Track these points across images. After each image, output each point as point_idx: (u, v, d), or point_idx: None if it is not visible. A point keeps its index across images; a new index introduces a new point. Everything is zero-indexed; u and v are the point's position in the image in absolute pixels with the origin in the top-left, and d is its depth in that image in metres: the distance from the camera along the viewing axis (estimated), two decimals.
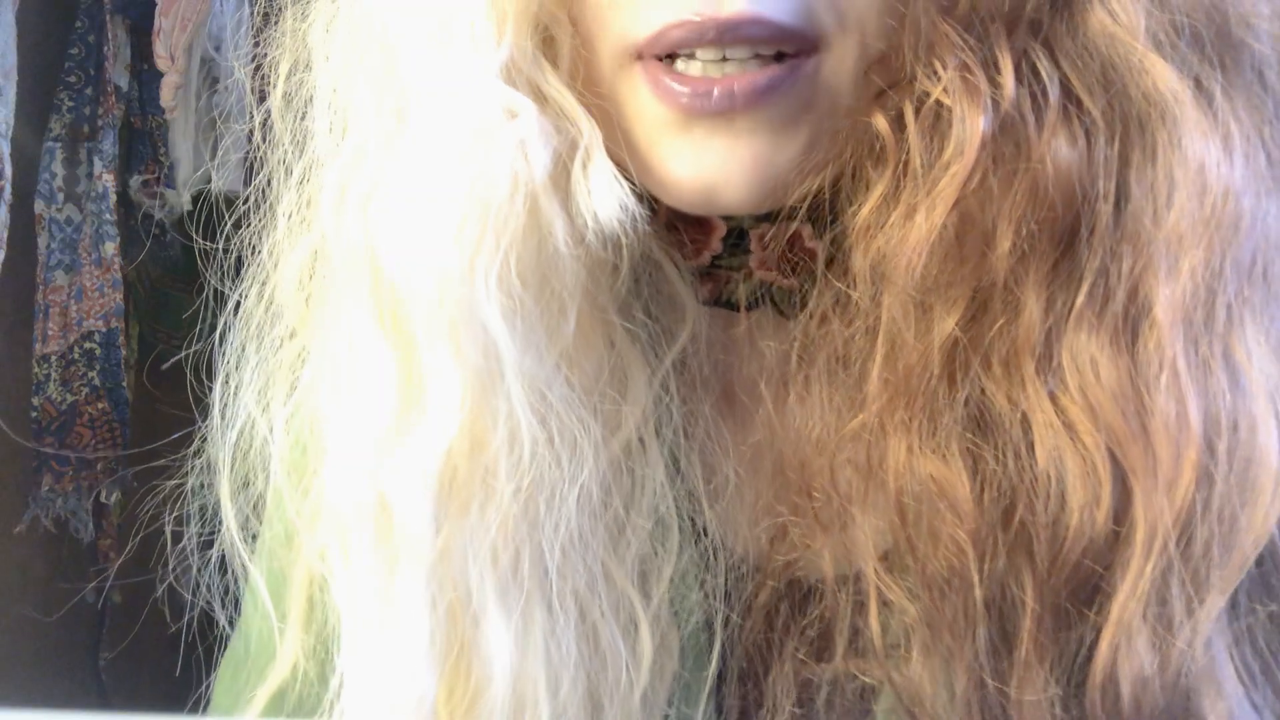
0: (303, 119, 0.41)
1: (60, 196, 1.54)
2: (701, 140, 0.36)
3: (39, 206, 1.54)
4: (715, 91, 0.35)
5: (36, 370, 1.53)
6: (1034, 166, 0.32)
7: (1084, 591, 0.33)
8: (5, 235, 1.32)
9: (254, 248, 0.41)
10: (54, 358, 1.53)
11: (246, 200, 0.42)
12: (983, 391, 0.34)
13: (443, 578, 0.37)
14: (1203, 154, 0.32)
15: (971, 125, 0.32)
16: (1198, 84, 0.32)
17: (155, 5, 1.56)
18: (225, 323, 0.41)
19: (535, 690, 0.37)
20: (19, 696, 1.50)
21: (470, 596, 0.37)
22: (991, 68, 0.33)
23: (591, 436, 0.39)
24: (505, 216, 0.36)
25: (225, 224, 0.43)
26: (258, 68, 0.42)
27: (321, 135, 0.40)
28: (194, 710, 0.53)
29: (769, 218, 0.40)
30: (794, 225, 0.40)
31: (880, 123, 0.35)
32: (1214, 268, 0.32)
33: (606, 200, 0.37)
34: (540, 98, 0.37)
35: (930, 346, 0.34)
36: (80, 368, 1.53)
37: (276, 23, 0.41)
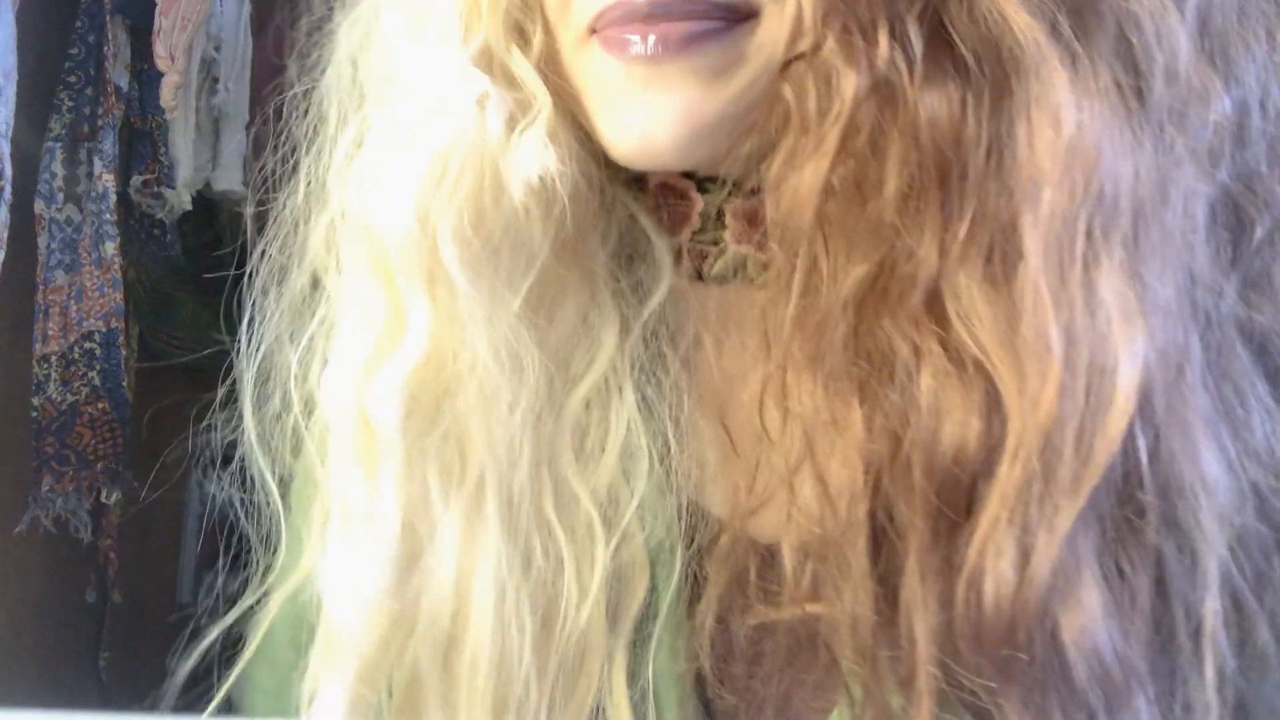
0: (320, 105, 0.49)
1: (60, 196, 1.54)
2: (639, 92, 0.42)
3: (39, 206, 1.54)
4: (651, 37, 0.40)
5: (36, 370, 1.53)
6: (910, 117, 0.36)
7: (960, 506, 0.36)
8: (5, 235, 1.32)
9: (277, 208, 0.48)
10: (54, 358, 1.53)
11: (265, 176, 0.49)
12: (880, 331, 0.37)
13: (408, 484, 0.43)
14: (1060, 101, 0.35)
15: (847, 82, 0.37)
16: (1059, 38, 0.36)
17: (155, 5, 1.56)
18: (252, 269, 0.49)
19: (481, 596, 0.43)
20: (19, 696, 1.50)
21: (427, 503, 0.44)
22: (870, 30, 0.37)
23: (561, 370, 0.45)
24: (458, 176, 0.43)
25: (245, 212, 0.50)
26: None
27: (332, 118, 0.47)
28: (194, 709, 0.53)
29: (736, 190, 0.46)
30: (732, 201, 0.46)
31: (786, 89, 0.39)
32: (1074, 206, 0.35)
33: (529, 159, 0.43)
34: (510, 78, 0.44)
35: (838, 289, 0.38)
36: (80, 368, 1.53)
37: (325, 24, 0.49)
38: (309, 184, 0.48)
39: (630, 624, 0.45)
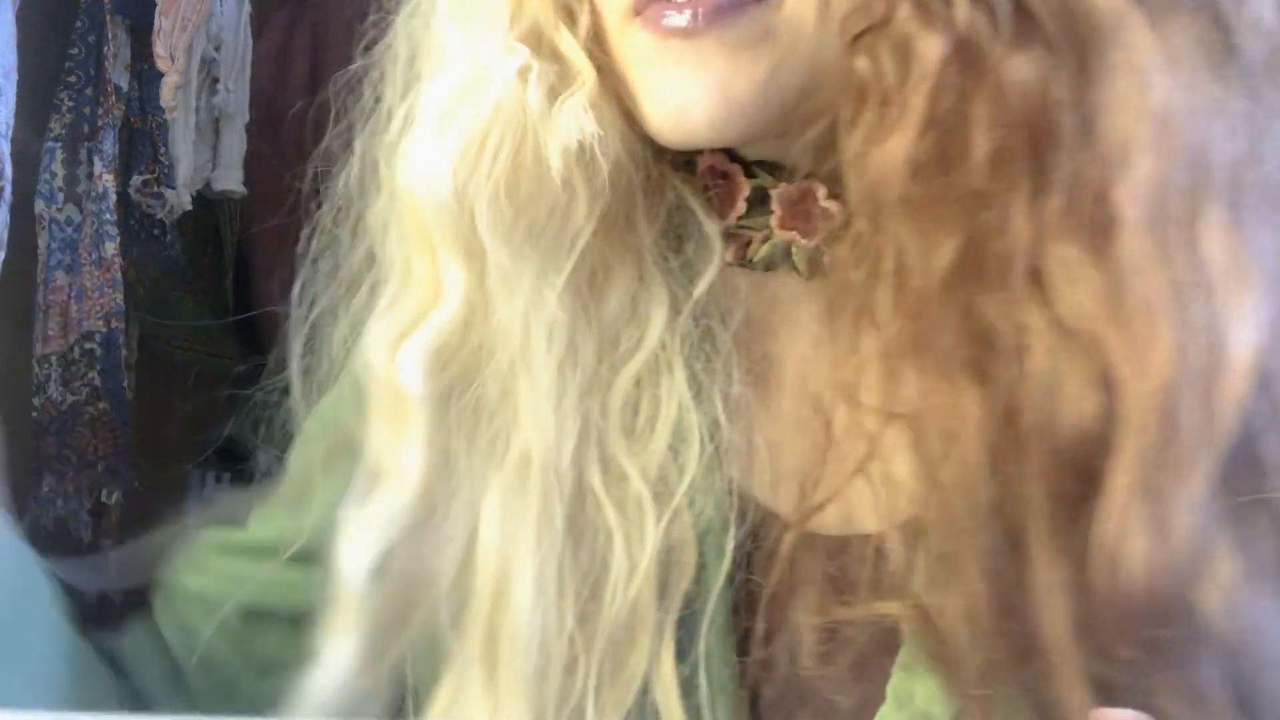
0: (376, 88, 0.51)
1: (60, 196, 1.54)
2: (675, 66, 0.43)
3: (39, 206, 1.54)
4: (686, 11, 0.42)
5: (37, 370, 1.53)
6: (995, 81, 0.36)
7: (1084, 478, 0.35)
8: (5, 235, 1.32)
9: (328, 183, 0.51)
10: (54, 358, 1.53)
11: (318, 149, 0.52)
12: (981, 309, 0.37)
13: (431, 448, 0.44)
14: (1145, 65, 0.35)
15: (928, 45, 0.36)
16: (1144, 3, 0.36)
17: (155, 5, 1.56)
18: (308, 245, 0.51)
19: (521, 567, 0.43)
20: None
21: (451, 469, 0.45)
22: None
23: (610, 347, 0.46)
24: (497, 147, 0.45)
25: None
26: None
27: (387, 98, 0.49)
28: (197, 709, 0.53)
29: (787, 176, 0.46)
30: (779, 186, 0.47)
31: (860, 62, 0.39)
32: (1168, 170, 0.35)
33: (568, 126, 0.44)
34: (557, 55, 0.46)
35: (934, 265, 0.37)
36: (81, 368, 1.53)
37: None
38: (363, 161, 0.49)
39: (679, 601, 0.44)
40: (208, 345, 1.77)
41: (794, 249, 0.47)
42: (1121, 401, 0.34)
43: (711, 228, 0.48)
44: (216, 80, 1.67)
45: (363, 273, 0.50)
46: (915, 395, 0.38)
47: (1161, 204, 0.35)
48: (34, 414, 1.52)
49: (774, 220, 0.47)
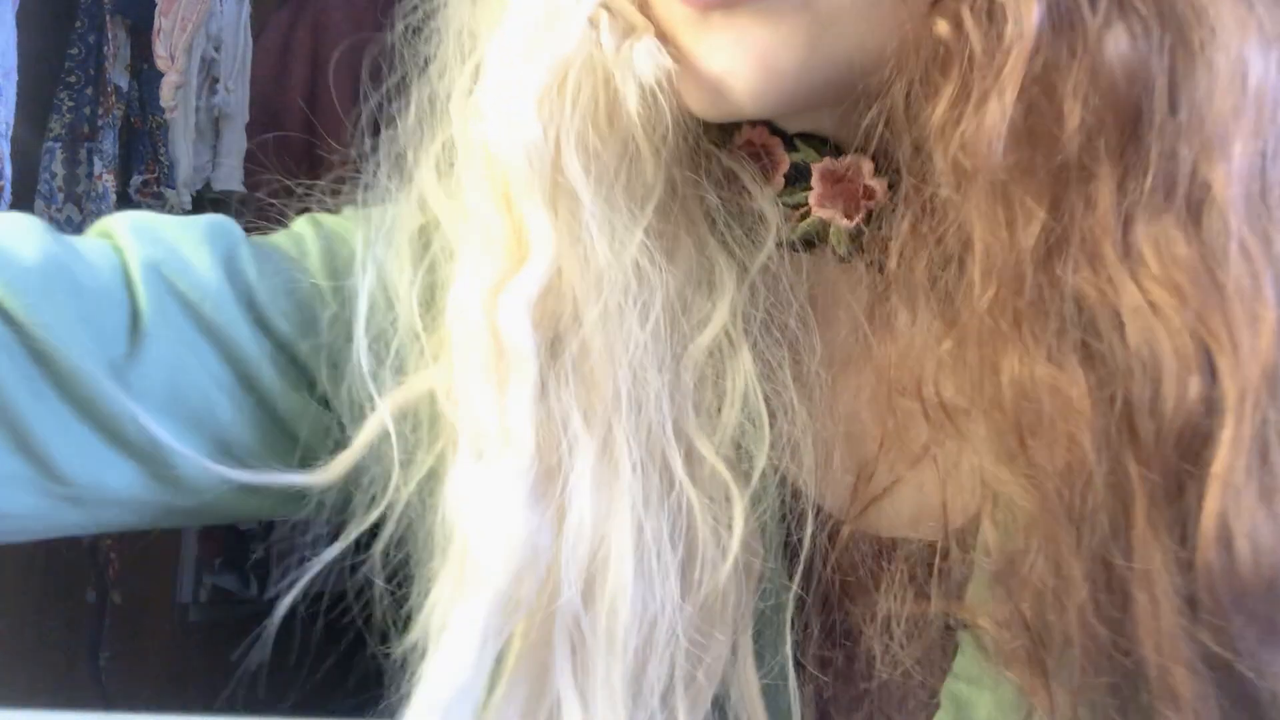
0: (436, 47, 0.49)
1: (60, 196, 1.55)
2: (714, 36, 0.42)
3: (39, 206, 1.54)
4: None
5: None
6: (1091, 52, 0.35)
7: (1189, 459, 0.35)
8: None
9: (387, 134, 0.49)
10: None
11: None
12: (1074, 287, 0.36)
13: (541, 405, 0.42)
14: (1240, 46, 0.35)
15: (1028, 11, 0.36)
16: None
17: (155, 5, 1.57)
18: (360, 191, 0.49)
19: (620, 537, 0.41)
20: (19, 696, 1.50)
21: (562, 426, 0.43)
22: None
23: (684, 312, 0.45)
24: (577, 84, 0.44)
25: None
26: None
27: (450, 47, 0.48)
28: (196, 709, 0.53)
29: (831, 152, 0.45)
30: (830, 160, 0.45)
31: (941, 27, 0.38)
32: (1261, 148, 0.35)
33: (643, 62, 0.43)
34: (616, 11, 0.45)
35: (1023, 241, 0.36)
36: None
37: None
38: (419, 110, 0.48)
39: (756, 593, 0.43)
40: None
41: (833, 229, 0.45)
42: (1225, 384, 0.34)
43: (766, 196, 0.47)
44: (216, 80, 1.67)
45: (420, 230, 0.48)
46: (1014, 383, 0.37)
47: (1258, 183, 0.35)
48: None
49: (812, 198, 0.46)
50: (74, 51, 1.57)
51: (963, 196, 0.38)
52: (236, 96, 1.69)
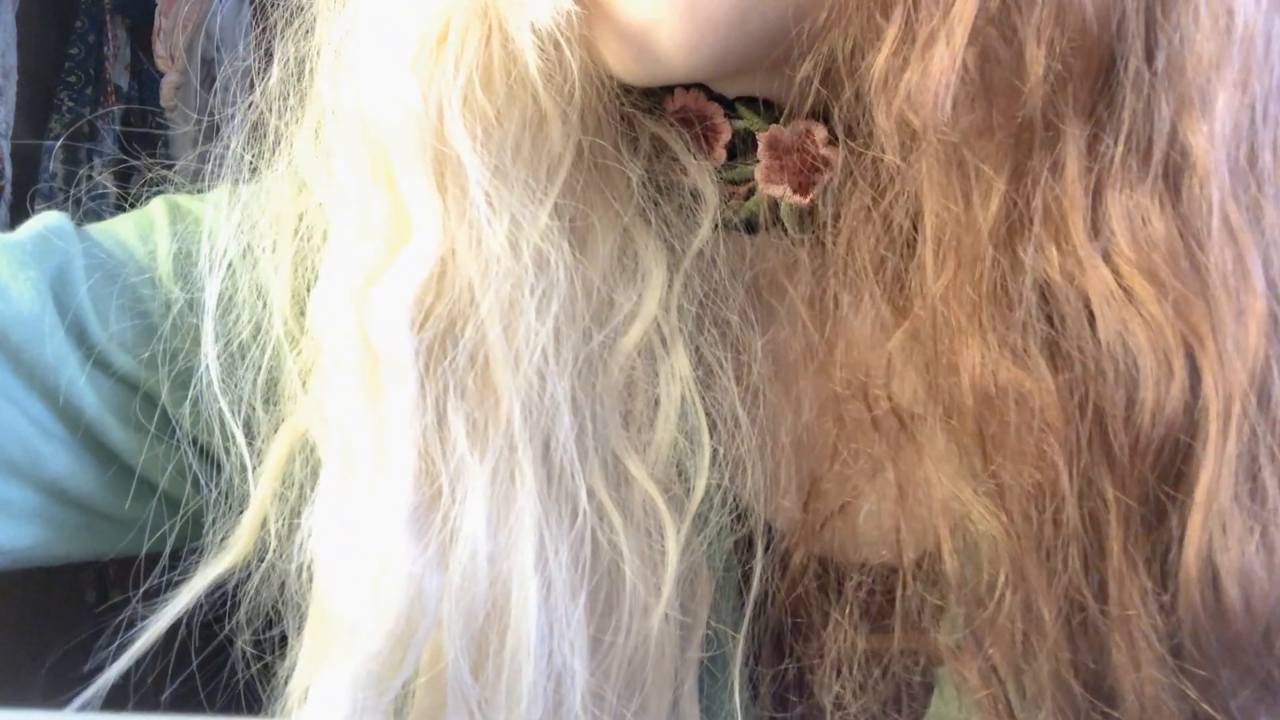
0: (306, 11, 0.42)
1: (60, 196, 1.54)
2: None
3: (39, 206, 1.53)
4: None
5: None
6: None
7: (1169, 478, 0.30)
8: None
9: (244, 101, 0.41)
10: None
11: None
12: (1038, 267, 0.31)
13: (421, 418, 0.35)
14: None
15: None
16: None
17: (155, 5, 1.56)
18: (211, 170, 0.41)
19: (522, 584, 0.33)
20: (19, 696, 1.50)
21: (446, 441, 0.35)
22: None
23: (603, 309, 0.37)
24: (461, 37, 0.36)
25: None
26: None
27: (322, 6, 0.40)
28: (195, 710, 0.53)
29: (776, 118, 0.38)
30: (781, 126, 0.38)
31: None
32: (1249, 102, 0.29)
33: (532, 3, 0.36)
34: None
35: (980, 217, 0.31)
36: None
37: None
38: (285, 68, 0.41)
39: (700, 649, 0.36)
40: None
41: (784, 206, 0.39)
42: (1209, 386, 0.29)
43: (701, 168, 0.39)
44: (216, 80, 1.66)
45: (289, 209, 0.40)
46: (979, 377, 0.31)
47: (1245, 146, 0.29)
48: None
49: (758, 171, 0.39)
50: (74, 51, 1.57)
51: (910, 164, 0.32)
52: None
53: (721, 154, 0.40)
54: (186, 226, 0.43)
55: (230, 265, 0.39)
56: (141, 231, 0.43)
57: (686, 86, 0.39)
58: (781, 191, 0.38)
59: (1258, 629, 0.28)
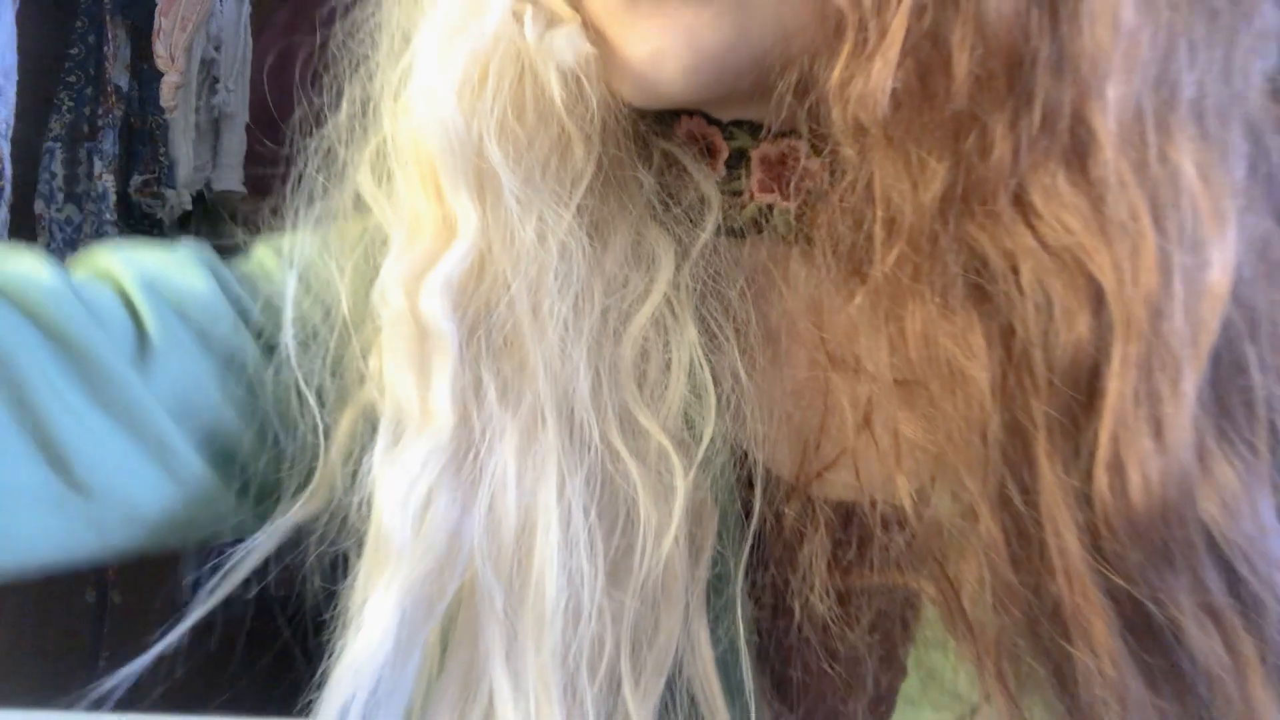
0: (368, 47, 0.50)
1: (60, 196, 1.55)
2: (643, 23, 0.43)
3: (39, 206, 1.54)
4: None
5: None
6: (972, 7, 0.37)
7: (1082, 391, 0.36)
8: (5, 235, 1.32)
9: (314, 132, 0.50)
10: None
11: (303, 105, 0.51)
12: (972, 236, 0.37)
13: (461, 381, 0.43)
14: None
15: None
16: None
17: (155, 5, 1.57)
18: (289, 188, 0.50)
19: (546, 519, 0.42)
20: (19, 696, 1.50)
21: (482, 401, 0.43)
22: None
23: (619, 291, 0.46)
24: (498, 75, 0.45)
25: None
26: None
27: (384, 46, 0.49)
28: (196, 709, 0.53)
29: (767, 137, 0.46)
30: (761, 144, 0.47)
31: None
32: (1137, 90, 0.36)
33: (562, 47, 0.45)
34: (544, 6, 0.46)
35: (923, 195, 0.38)
36: None
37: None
38: (352, 106, 0.49)
39: (708, 563, 0.43)
40: None
41: (776, 211, 0.46)
42: (1112, 315, 0.35)
43: (706, 177, 0.48)
44: (216, 80, 1.67)
45: (355, 219, 0.49)
46: (919, 335, 0.38)
47: (1135, 123, 0.36)
48: None
49: (753, 183, 0.47)
50: (74, 51, 1.57)
51: (863, 156, 0.39)
52: (236, 96, 1.69)
53: (721, 169, 0.47)
54: (278, 244, 0.51)
55: (308, 262, 0.48)
56: (261, 269, 0.51)
57: (690, 113, 0.47)
58: (774, 199, 0.46)
59: (1156, 507, 0.34)
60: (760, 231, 0.46)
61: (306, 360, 0.46)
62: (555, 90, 0.44)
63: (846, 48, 0.38)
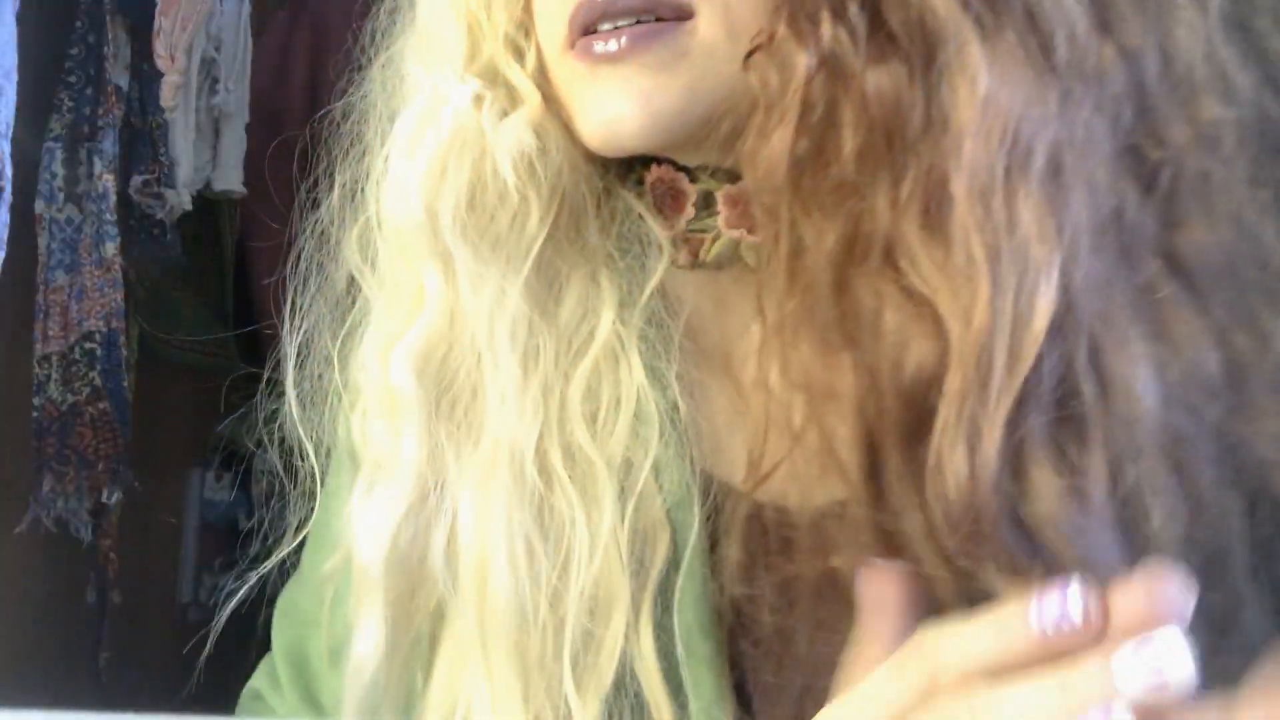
0: (358, 126, 0.58)
1: (60, 196, 1.55)
2: (603, 86, 0.50)
3: (39, 206, 1.54)
4: (610, 40, 0.49)
5: (37, 370, 1.53)
6: (858, 88, 0.42)
7: (922, 414, 0.41)
8: (5, 235, 1.32)
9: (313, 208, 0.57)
10: (54, 358, 1.53)
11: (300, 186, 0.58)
12: (854, 285, 0.43)
13: (425, 438, 0.51)
14: (974, 64, 0.41)
15: (799, 60, 0.43)
16: (970, 11, 0.42)
17: (155, 5, 1.57)
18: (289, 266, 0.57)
19: (495, 549, 0.48)
20: (19, 696, 1.50)
21: (441, 455, 0.51)
22: (815, 15, 0.44)
23: (568, 341, 0.52)
24: (457, 166, 0.52)
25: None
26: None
27: (368, 137, 0.56)
28: (193, 709, 0.53)
29: (731, 180, 0.52)
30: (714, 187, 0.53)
31: (751, 76, 0.46)
32: (992, 151, 0.41)
33: (509, 139, 0.52)
34: (510, 86, 0.54)
35: (822, 251, 0.43)
36: (81, 368, 1.53)
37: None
38: (343, 191, 0.56)
39: (655, 578, 0.49)
40: (208, 345, 1.78)
41: (743, 245, 0.52)
42: (950, 348, 0.41)
43: (659, 231, 0.54)
44: (216, 80, 1.67)
45: (345, 293, 0.56)
46: (805, 366, 0.45)
47: (986, 181, 0.41)
48: (34, 414, 1.52)
49: (721, 220, 0.53)
50: (74, 51, 1.57)
51: (771, 215, 0.45)
52: (236, 96, 1.69)
53: (690, 210, 0.54)
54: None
55: (305, 334, 0.56)
56: None
57: (659, 161, 0.54)
58: (739, 234, 0.52)
59: (968, 507, 0.39)
60: (728, 264, 0.53)
61: (306, 418, 0.55)
62: (508, 173, 0.51)
63: (755, 121, 0.45)
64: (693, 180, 0.53)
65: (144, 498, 1.62)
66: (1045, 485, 0.40)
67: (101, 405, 1.53)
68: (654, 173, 0.54)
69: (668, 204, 0.54)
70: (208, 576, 1.96)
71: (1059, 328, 0.40)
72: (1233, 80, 0.45)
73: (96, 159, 1.55)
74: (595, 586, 0.48)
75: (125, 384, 1.57)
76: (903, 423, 0.42)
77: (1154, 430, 0.41)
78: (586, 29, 0.50)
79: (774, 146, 0.44)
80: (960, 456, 0.40)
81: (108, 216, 1.54)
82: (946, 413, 0.40)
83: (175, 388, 1.81)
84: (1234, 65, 0.46)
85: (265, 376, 0.57)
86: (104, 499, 1.55)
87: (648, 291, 0.53)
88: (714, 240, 0.53)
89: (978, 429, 0.40)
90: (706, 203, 0.53)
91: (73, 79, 1.57)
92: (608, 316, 0.53)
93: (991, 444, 0.40)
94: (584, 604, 0.48)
